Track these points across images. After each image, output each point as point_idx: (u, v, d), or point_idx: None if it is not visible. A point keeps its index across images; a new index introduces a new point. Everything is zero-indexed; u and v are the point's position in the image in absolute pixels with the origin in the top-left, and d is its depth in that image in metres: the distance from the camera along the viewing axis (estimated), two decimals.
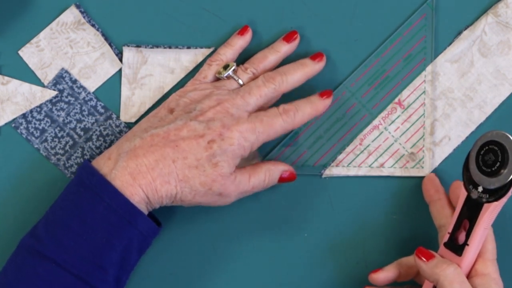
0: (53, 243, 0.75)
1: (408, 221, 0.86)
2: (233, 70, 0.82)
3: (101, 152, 0.85)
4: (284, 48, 0.84)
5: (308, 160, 0.86)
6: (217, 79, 0.83)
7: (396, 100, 0.86)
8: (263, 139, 0.80)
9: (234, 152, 0.78)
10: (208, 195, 0.79)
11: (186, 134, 0.78)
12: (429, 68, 0.86)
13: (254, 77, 0.82)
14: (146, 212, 0.78)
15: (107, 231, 0.76)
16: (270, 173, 0.82)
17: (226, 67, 0.82)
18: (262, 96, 0.81)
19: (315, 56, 0.84)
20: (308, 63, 0.83)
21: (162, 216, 0.83)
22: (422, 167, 0.86)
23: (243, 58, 0.85)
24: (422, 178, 0.86)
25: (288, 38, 0.84)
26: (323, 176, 0.86)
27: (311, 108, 0.82)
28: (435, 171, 0.86)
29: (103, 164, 0.78)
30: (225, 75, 0.82)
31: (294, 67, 0.83)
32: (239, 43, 0.84)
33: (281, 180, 0.83)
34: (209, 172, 0.78)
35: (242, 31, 0.84)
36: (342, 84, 0.86)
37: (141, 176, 0.77)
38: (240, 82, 0.82)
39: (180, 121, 0.78)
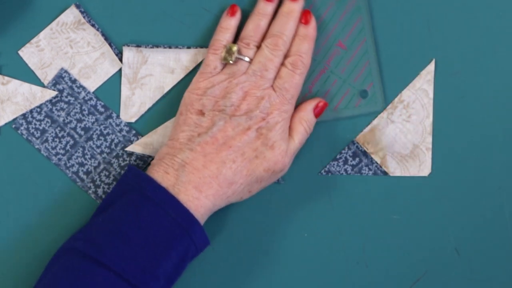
0: (113, 252, 0.75)
1: (408, 221, 0.86)
2: (238, 51, 0.82)
3: (102, 152, 0.85)
4: (270, 9, 0.84)
5: None
6: (225, 65, 0.83)
7: (337, 42, 0.86)
8: (295, 100, 0.82)
9: (283, 127, 0.81)
10: (271, 177, 0.82)
11: (233, 132, 0.80)
12: (429, 68, 0.86)
13: (257, 49, 0.83)
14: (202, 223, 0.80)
15: (168, 243, 0.77)
16: (305, 119, 0.84)
17: (228, 51, 0.82)
18: (276, 66, 0.82)
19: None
20: (292, 7, 0.83)
21: None
22: (375, 102, 0.86)
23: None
24: (422, 177, 0.86)
25: None
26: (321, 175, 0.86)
27: (308, 43, 0.83)
28: (435, 171, 0.86)
29: (162, 179, 0.78)
30: (233, 59, 0.82)
31: (284, 21, 0.83)
32: (233, 23, 0.84)
33: (317, 115, 0.84)
34: (270, 156, 0.80)
35: (231, 12, 0.84)
36: None
37: (207, 187, 0.78)
38: (248, 59, 0.82)
39: (220, 122, 0.80)
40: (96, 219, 0.78)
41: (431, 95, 0.86)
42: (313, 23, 0.83)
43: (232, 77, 0.81)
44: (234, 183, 0.79)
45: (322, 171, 0.86)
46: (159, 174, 0.79)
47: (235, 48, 0.82)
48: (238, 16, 0.84)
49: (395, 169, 0.86)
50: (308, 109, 0.84)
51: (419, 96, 0.86)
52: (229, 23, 0.84)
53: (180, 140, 0.80)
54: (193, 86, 0.82)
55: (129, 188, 0.78)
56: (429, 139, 0.86)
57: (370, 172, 0.86)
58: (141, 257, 0.75)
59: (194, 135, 0.80)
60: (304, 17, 0.83)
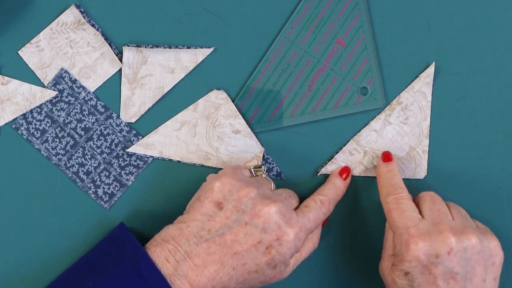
0: None
1: None
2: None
3: (102, 152, 0.85)
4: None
5: (263, 116, 0.86)
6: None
7: (336, 39, 0.86)
8: (309, 233, 0.81)
9: (291, 253, 0.79)
10: (266, 286, 0.81)
11: (243, 240, 0.77)
12: (429, 71, 0.86)
13: None
14: None
15: None
16: (315, 237, 0.83)
17: (261, 166, 0.83)
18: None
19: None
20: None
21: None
22: (376, 99, 0.86)
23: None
24: (420, 179, 0.86)
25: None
26: (319, 174, 0.86)
27: (336, 194, 0.84)
28: (433, 172, 0.87)
29: (162, 265, 0.77)
30: (258, 174, 0.82)
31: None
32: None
33: (323, 225, 0.85)
34: (268, 273, 0.79)
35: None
36: (280, 35, 0.86)
37: (202, 286, 0.77)
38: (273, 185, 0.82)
39: (234, 224, 0.77)
40: (87, 283, 0.76)
41: (429, 97, 0.86)
42: (348, 181, 0.85)
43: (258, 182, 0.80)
44: (227, 286, 0.78)
45: (321, 170, 0.86)
46: (160, 259, 0.77)
47: (264, 167, 0.82)
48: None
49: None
50: (319, 226, 0.84)
51: (417, 98, 0.86)
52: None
53: (190, 229, 0.78)
54: (220, 172, 0.81)
55: (125, 261, 0.77)
56: (426, 142, 0.86)
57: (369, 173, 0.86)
58: None
59: (205, 229, 0.78)
60: (345, 174, 0.85)
